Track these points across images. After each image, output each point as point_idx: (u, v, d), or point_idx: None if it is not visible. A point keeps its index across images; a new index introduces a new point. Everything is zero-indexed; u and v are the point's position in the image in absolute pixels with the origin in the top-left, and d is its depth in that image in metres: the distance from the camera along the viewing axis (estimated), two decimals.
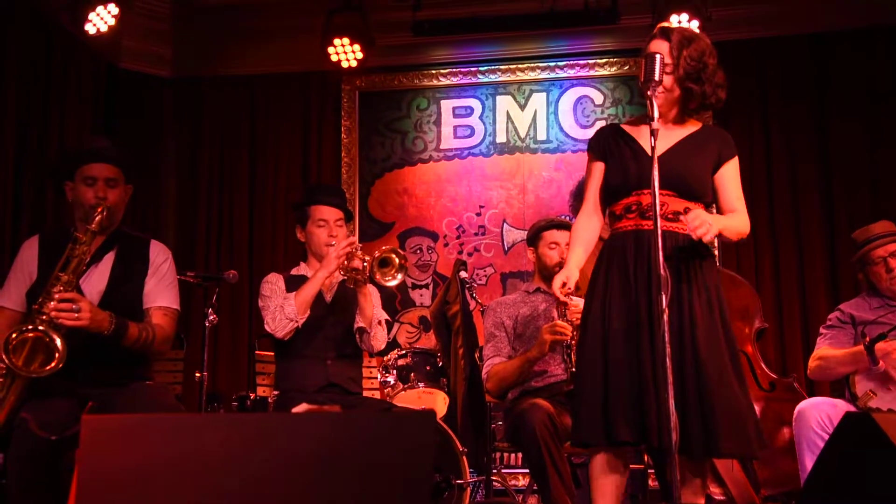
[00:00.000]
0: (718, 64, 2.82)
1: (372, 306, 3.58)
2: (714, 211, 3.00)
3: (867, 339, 3.51)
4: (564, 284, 2.80)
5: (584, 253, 2.91)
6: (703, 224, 2.65)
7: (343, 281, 3.67)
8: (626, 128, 2.94)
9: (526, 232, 4.71)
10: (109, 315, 2.88)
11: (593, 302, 2.82)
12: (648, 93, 2.67)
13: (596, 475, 2.79)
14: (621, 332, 2.72)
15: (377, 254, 3.54)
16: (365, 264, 3.50)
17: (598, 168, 2.92)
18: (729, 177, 2.92)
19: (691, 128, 2.91)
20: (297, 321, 3.48)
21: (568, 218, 4.69)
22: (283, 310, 3.48)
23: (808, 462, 3.40)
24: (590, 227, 2.93)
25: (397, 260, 3.54)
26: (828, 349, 3.72)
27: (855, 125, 5.53)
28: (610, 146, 2.90)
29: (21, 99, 5.03)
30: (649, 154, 2.69)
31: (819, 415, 3.44)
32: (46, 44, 5.27)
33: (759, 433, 2.72)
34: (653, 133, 2.64)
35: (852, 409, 3.45)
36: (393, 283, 3.56)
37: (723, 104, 2.89)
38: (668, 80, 2.75)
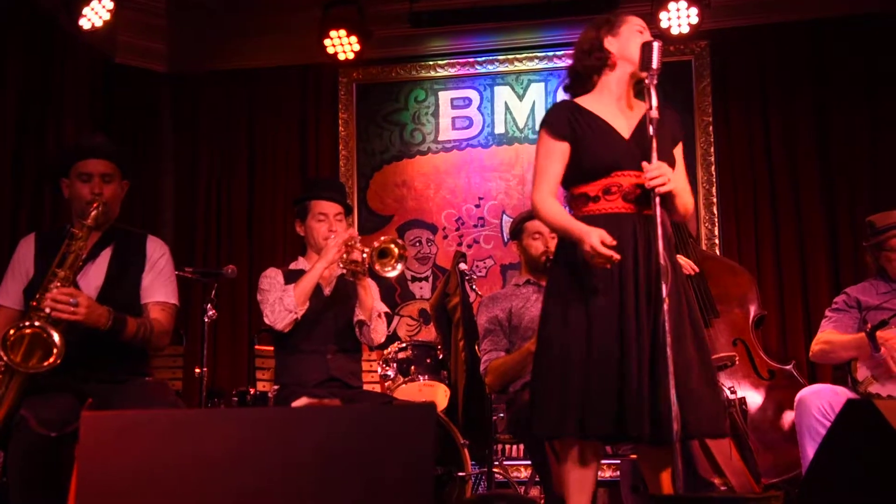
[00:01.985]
0: None
1: (371, 298, 3.57)
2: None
3: (869, 325, 3.51)
4: (603, 243, 2.56)
5: (571, 219, 2.74)
6: (662, 175, 2.59)
7: (342, 274, 3.66)
8: (585, 105, 2.81)
9: None
10: (108, 310, 2.87)
11: (572, 292, 2.69)
12: (647, 81, 2.66)
13: (570, 467, 2.73)
14: (605, 319, 2.63)
15: (376, 244, 3.52)
16: (364, 256, 3.49)
17: (562, 149, 2.76)
18: (679, 156, 2.87)
19: (643, 106, 2.80)
20: (296, 313, 3.47)
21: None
22: (282, 301, 3.47)
23: (810, 449, 3.40)
24: (557, 203, 2.80)
25: (396, 250, 3.52)
26: (832, 333, 3.72)
27: (855, 112, 5.52)
28: (577, 126, 2.75)
29: (18, 96, 5.02)
30: (623, 135, 2.75)
31: (820, 402, 3.43)
32: (43, 40, 5.25)
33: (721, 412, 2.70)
34: (651, 121, 2.63)
35: (854, 396, 3.46)
36: (393, 274, 3.54)
37: None
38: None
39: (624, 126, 2.77)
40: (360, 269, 3.50)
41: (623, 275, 2.66)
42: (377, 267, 3.50)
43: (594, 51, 2.80)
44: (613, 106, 2.81)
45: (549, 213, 2.78)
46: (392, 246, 3.52)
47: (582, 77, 2.85)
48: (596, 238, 2.57)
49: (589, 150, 2.73)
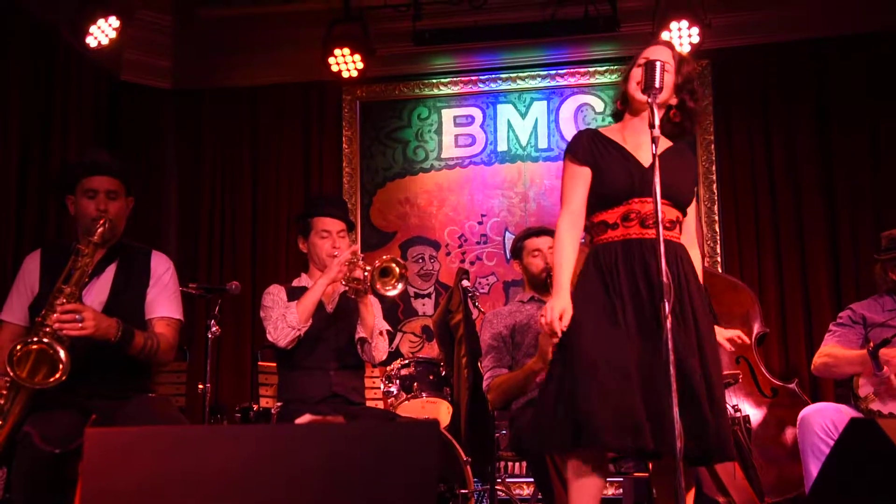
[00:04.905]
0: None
1: (373, 316, 3.57)
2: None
3: (871, 344, 3.50)
4: (562, 318, 2.67)
5: (570, 271, 2.80)
6: None
7: (344, 292, 3.67)
8: (608, 134, 2.90)
9: None
10: (117, 322, 2.87)
11: (591, 311, 2.73)
12: (649, 100, 2.67)
13: (573, 484, 2.73)
14: (634, 342, 2.66)
15: (378, 263, 3.53)
16: (366, 274, 3.50)
17: (584, 174, 2.84)
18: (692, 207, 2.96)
19: (668, 142, 2.90)
20: (299, 329, 3.47)
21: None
22: (284, 319, 3.48)
23: (813, 468, 3.39)
24: (573, 237, 2.83)
25: (398, 269, 3.53)
26: (835, 347, 3.70)
27: (856, 130, 5.54)
28: (597, 152, 2.84)
29: (24, 113, 5.04)
30: (643, 162, 2.79)
31: (824, 421, 3.43)
32: (48, 58, 5.28)
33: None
34: (654, 140, 2.64)
35: (857, 414, 3.45)
36: (394, 293, 3.55)
37: (692, 134, 2.97)
38: (669, 83, 2.77)
39: (645, 156, 2.80)
40: (362, 287, 3.51)
41: (631, 295, 2.70)
42: (378, 286, 3.51)
43: (619, 99, 2.92)
44: (637, 137, 2.85)
45: (556, 247, 2.84)
46: (393, 265, 3.53)
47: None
48: (556, 311, 2.67)
49: (607, 176, 2.81)
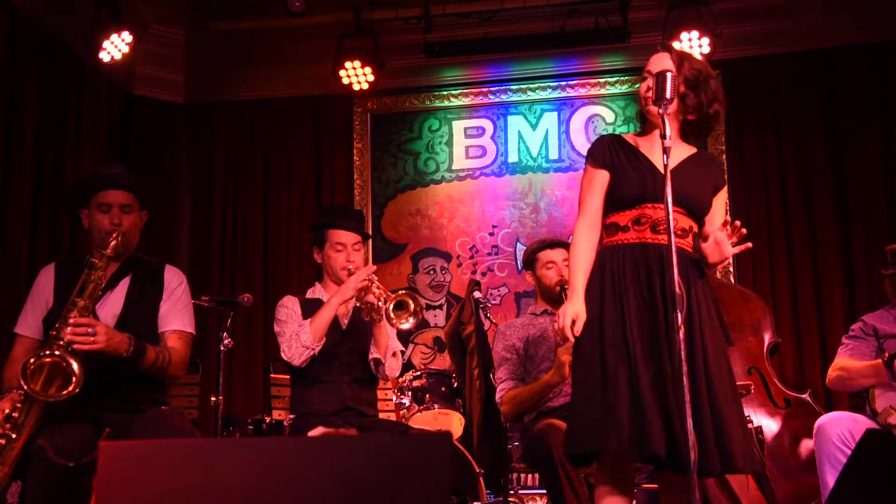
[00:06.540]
0: (718, 83, 2.88)
1: (387, 337, 3.57)
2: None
3: (886, 354, 3.49)
4: (574, 323, 2.68)
5: (586, 276, 2.78)
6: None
7: (358, 307, 3.67)
8: (630, 140, 2.91)
9: None
10: (128, 337, 2.89)
11: (604, 313, 2.72)
12: (660, 111, 2.68)
13: (600, 496, 2.72)
14: (642, 347, 2.64)
15: (393, 297, 3.49)
16: (380, 304, 3.48)
17: (602, 176, 2.85)
18: (720, 204, 2.96)
19: (690, 149, 2.92)
20: (312, 349, 3.47)
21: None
22: (298, 338, 3.47)
23: (829, 477, 3.37)
24: (590, 242, 2.83)
25: (413, 305, 3.48)
26: (848, 360, 3.69)
27: (869, 140, 5.52)
28: (616, 156, 2.85)
29: (37, 127, 5.07)
30: (660, 169, 2.76)
31: (840, 429, 3.41)
32: (62, 72, 5.32)
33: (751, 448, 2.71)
34: (665, 151, 2.64)
35: (873, 425, 3.42)
36: (405, 327, 3.49)
37: (719, 122, 2.92)
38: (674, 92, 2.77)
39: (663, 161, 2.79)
40: (377, 316, 3.50)
41: (636, 299, 2.70)
42: (392, 317, 3.47)
43: (638, 115, 2.95)
44: (658, 144, 2.83)
45: (572, 251, 2.86)
46: (409, 301, 3.48)
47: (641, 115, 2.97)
48: (568, 317, 2.68)
49: (622, 179, 2.81)
